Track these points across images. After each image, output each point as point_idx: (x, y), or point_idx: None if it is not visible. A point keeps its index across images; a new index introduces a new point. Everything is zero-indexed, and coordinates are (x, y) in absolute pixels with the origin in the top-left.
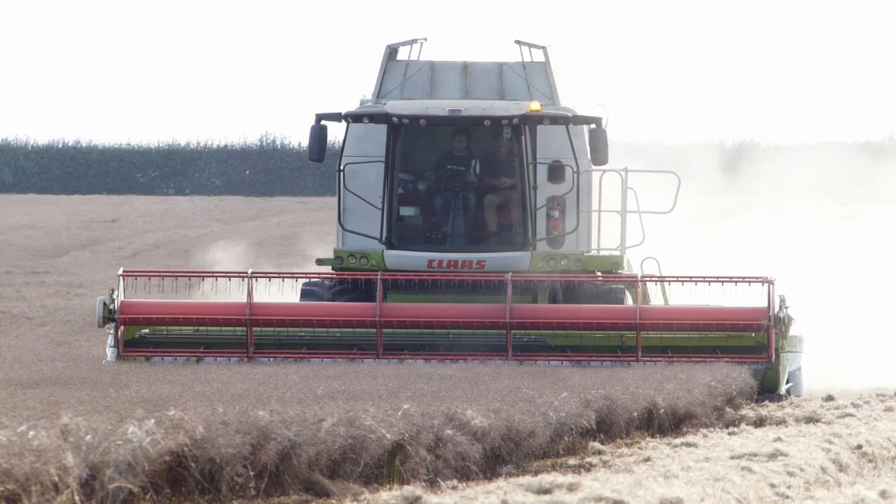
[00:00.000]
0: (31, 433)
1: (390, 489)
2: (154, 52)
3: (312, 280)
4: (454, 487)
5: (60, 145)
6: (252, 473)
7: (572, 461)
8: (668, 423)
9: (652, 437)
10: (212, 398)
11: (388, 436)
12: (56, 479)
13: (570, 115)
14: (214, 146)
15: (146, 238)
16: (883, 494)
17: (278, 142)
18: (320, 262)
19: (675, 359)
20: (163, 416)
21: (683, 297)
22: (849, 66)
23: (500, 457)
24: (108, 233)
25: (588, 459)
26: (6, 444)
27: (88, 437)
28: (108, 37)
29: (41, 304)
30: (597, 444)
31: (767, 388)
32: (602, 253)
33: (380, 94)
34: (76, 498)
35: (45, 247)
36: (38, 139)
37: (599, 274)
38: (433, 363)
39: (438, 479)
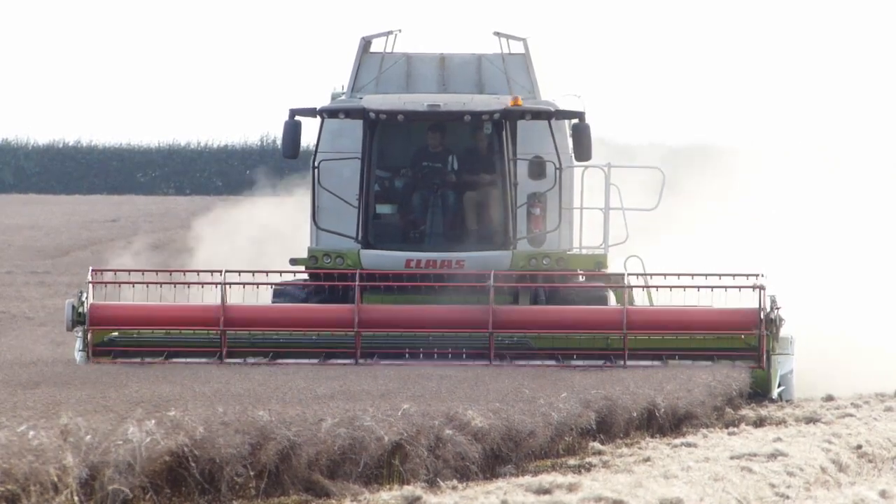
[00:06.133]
0: (31, 433)
1: (390, 489)
2: (154, 52)
3: (285, 280)
4: (454, 487)
5: (60, 145)
6: (252, 473)
7: (572, 461)
8: (668, 423)
9: (652, 437)
10: (212, 398)
11: (387, 436)
12: (55, 479)
13: (552, 109)
14: (214, 146)
15: (146, 238)
16: (883, 494)
17: (278, 142)
18: (294, 261)
19: (663, 357)
20: (163, 416)
21: (669, 297)
22: (846, 64)
23: (500, 457)
24: (108, 233)
25: (588, 459)
26: (6, 444)
27: (88, 438)
28: (107, 36)
29: (41, 304)
30: (597, 445)
31: (759, 392)
32: (584, 251)
33: (354, 87)
34: (75, 498)
35: (45, 247)
36: (38, 139)
37: (582, 275)
38: (426, 364)
39: (438, 480)
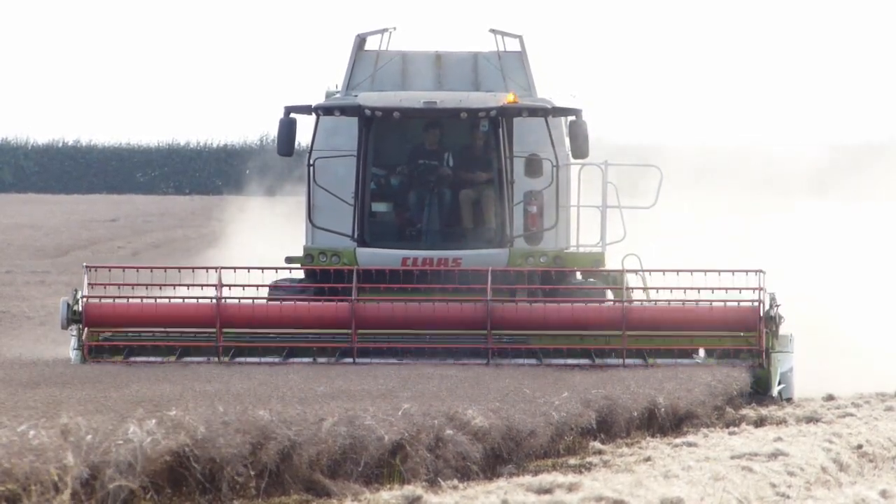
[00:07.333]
0: (31, 433)
1: (391, 489)
2: (154, 52)
3: (280, 279)
4: (454, 487)
5: (60, 145)
6: (252, 473)
7: (573, 461)
8: (668, 422)
9: (652, 436)
10: (212, 398)
11: (388, 436)
12: (56, 478)
13: (549, 106)
14: (214, 146)
15: (146, 238)
16: (883, 494)
17: None
18: (290, 260)
19: (659, 360)
20: (163, 415)
21: (669, 296)
22: (845, 64)
23: (501, 457)
24: (108, 233)
25: (588, 459)
26: (6, 443)
27: (89, 437)
28: (107, 36)
29: (41, 304)
30: (597, 444)
31: (759, 390)
32: (582, 249)
33: (349, 85)
34: (75, 498)
35: (45, 247)
36: (38, 139)
37: (578, 273)
38: (427, 364)
39: (439, 479)
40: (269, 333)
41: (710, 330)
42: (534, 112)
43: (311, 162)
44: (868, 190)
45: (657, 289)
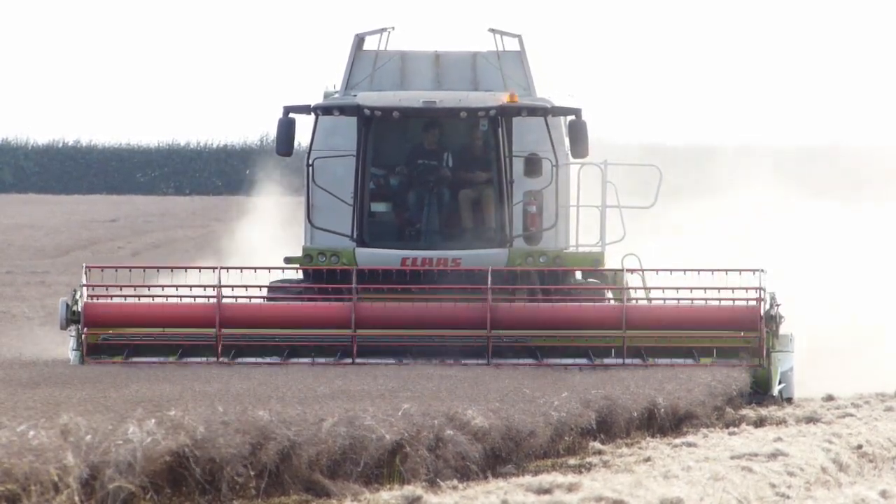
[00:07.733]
0: (31, 433)
1: (390, 489)
2: (154, 52)
3: (280, 279)
4: (454, 487)
5: (60, 145)
6: (252, 473)
7: (572, 461)
8: (668, 422)
9: (652, 436)
10: (212, 398)
11: (388, 436)
12: (56, 478)
13: (548, 106)
14: (214, 146)
15: (146, 238)
16: (883, 494)
17: None
18: (289, 260)
19: (659, 361)
20: (163, 416)
21: (667, 296)
22: (839, 63)
23: (501, 457)
24: (109, 233)
25: (588, 459)
26: (6, 443)
27: (88, 437)
28: (107, 36)
29: (41, 304)
30: (597, 444)
31: (759, 390)
32: (581, 249)
33: (348, 85)
34: (76, 498)
35: (45, 247)
36: (38, 139)
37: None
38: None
39: (438, 479)
40: (269, 333)
41: (711, 330)
42: (533, 111)
43: (310, 162)
44: (867, 188)
45: (659, 288)
